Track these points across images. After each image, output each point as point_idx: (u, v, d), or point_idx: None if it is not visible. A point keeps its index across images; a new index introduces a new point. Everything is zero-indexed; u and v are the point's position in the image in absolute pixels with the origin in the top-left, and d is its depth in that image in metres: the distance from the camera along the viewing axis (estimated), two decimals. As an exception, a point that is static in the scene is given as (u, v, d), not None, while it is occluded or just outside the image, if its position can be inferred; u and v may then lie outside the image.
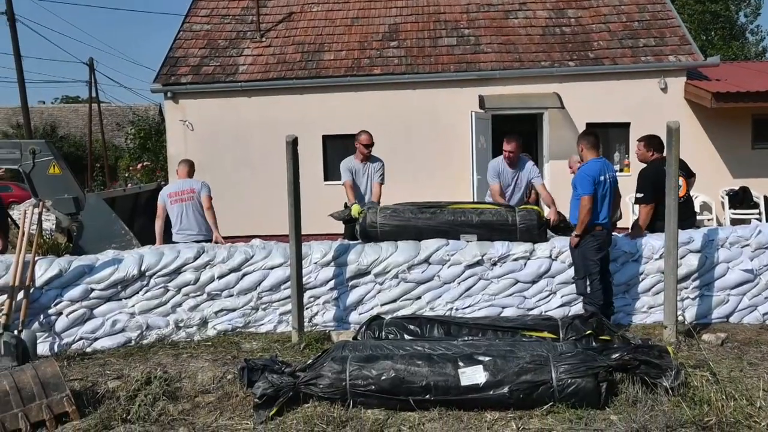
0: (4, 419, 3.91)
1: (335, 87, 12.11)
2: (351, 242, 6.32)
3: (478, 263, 5.96)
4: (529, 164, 7.07)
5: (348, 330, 5.80)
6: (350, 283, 5.98)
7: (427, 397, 4.09)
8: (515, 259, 5.98)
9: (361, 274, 5.97)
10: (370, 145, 7.39)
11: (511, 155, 6.89)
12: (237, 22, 13.70)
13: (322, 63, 12.39)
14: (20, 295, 5.40)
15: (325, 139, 12.06)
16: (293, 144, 5.64)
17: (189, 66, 12.46)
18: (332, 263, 5.98)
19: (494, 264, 5.97)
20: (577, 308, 5.88)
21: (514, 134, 7.03)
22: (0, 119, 48.12)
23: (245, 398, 4.37)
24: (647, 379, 4.19)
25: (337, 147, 11.66)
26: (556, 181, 11.27)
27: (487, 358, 4.19)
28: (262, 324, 5.97)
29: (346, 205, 7.21)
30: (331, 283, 5.97)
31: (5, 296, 5.39)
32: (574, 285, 5.85)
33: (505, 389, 4.04)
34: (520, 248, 5.99)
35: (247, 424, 4.06)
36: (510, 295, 5.99)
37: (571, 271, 5.87)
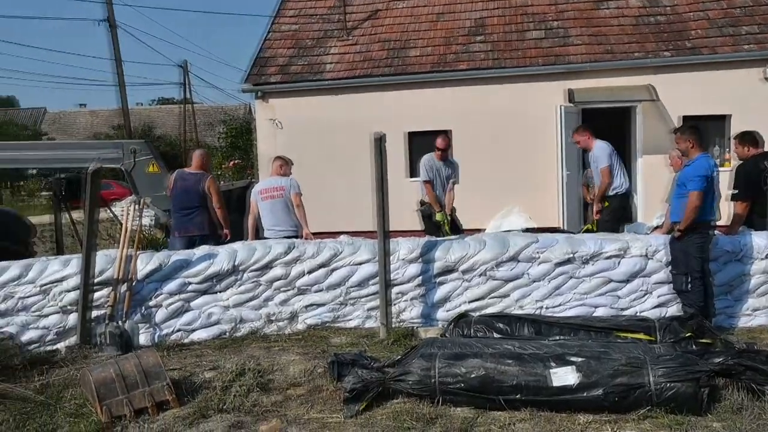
0: (110, 405, 4.12)
1: (420, 83, 12.09)
2: (438, 239, 6.31)
3: (569, 261, 5.81)
4: (599, 148, 7.54)
5: (435, 327, 5.78)
6: (437, 280, 5.96)
7: (517, 396, 4.02)
8: (608, 258, 5.80)
9: (448, 270, 5.94)
10: (443, 150, 7.83)
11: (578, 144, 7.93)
12: (323, 21, 13.90)
13: (407, 59, 12.39)
14: (123, 287, 5.69)
15: (410, 135, 12.06)
16: (380, 141, 5.66)
17: (278, 66, 12.74)
18: (419, 260, 5.97)
19: (585, 262, 5.80)
20: (675, 309, 5.65)
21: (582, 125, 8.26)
22: (101, 121, 50.87)
23: (335, 392, 4.43)
24: (753, 386, 3.97)
25: (421, 144, 11.63)
26: (649, 178, 10.86)
27: (580, 359, 4.08)
28: (350, 319, 6.04)
29: (422, 202, 7.97)
30: (418, 280, 5.96)
31: (110, 288, 5.68)
32: (670, 285, 5.62)
33: (599, 391, 3.92)
34: (613, 246, 5.80)
35: (337, 417, 4.11)
36: (602, 294, 5.81)
37: (668, 271, 5.64)
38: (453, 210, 8.02)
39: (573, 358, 4.09)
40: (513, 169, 11.64)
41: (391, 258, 5.87)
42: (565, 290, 5.83)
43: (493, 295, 5.90)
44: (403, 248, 6.01)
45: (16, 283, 5.76)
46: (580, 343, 4.40)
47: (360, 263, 5.99)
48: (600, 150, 7.47)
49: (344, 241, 6.27)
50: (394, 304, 5.91)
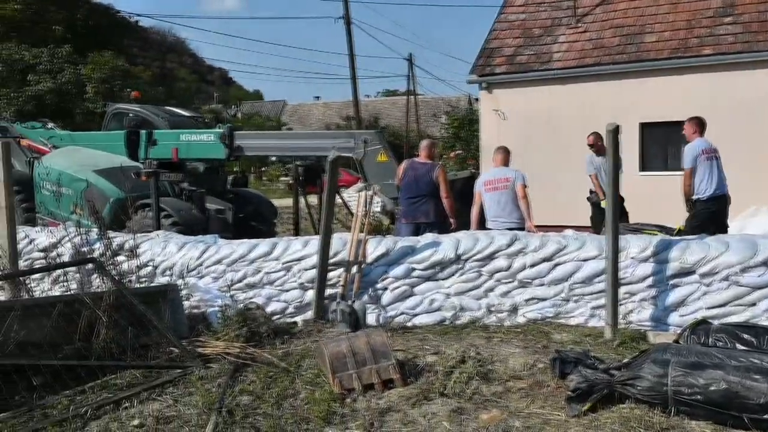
0: (342, 378, 4.42)
1: (657, 71, 11.34)
2: (672, 238, 5.88)
3: (835, 270, 5.09)
4: (688, 148, 7.41)
5: (667, 332, 5.39)
6: (671, 282, 5.55)
7: (766, 417, 3.62)
8: None
9: (685, 272, 5.50)
10: (591, 146, 8.79)
11: None
12: (552, 9, 13.58)
13: (643, 46, 11.68)
14: (354, 269, 6.06)
15: (643, 126, 11.36)
16: (615, 132, 5.39)
17: (504, 56, 12.70)
18: (651, 259, 5.61)
19: None
20: None
21: None
22: (333, 112, 54.58)
23: (557, 389, 4.33)
24: None
25: (656, 135, 10.94)
26: None
27: None
28: (573, 316, 5.85)
29: (591, 191, 9.03)
30: (649, 280, 5.60)
31: (343, 269, 6.09)
32: None
33: None
34: None
35: (559, 415, 4.01)
36: None
37: None
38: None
39: (839, 382, 3.58)
40: (764, 164, 10.45)
41: (621, 255, 5.58)
42: (828, 303, 5.12)
43: (736, 302, 5.35)
44: (634, 246, 5.68)
45: (263, 259, 6.40)
46: None
47: (586, 259, 5.77)
48: (688, 150, 7.19)
49: (570, 236, 6.09)
50: (622, 305, 5.61)
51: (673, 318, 5.52)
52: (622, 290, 5.60)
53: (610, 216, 5.37)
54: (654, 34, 11.80)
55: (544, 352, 5.04)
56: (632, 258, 5.64)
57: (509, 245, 5.96)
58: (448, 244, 6.10)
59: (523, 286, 5.95)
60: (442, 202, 7.17)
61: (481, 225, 7.17)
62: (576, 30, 12.68)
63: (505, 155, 7.34)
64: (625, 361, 4.25)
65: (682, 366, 3.91)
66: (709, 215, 7.19)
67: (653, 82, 11.33)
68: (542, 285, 5.89)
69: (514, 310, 5.97)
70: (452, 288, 6.08)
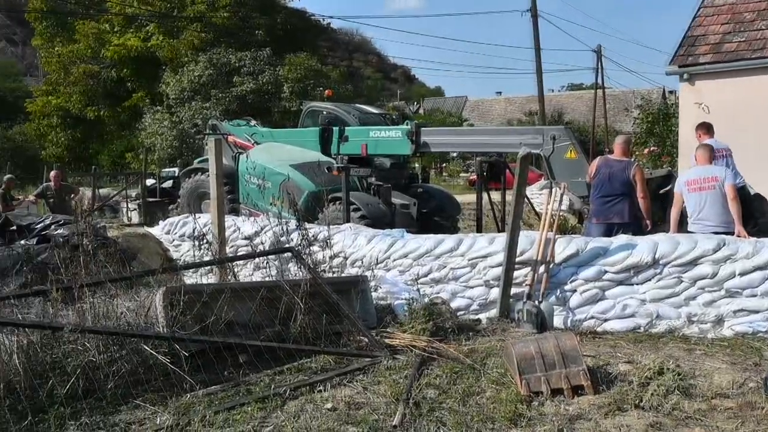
0: (529, 379, 4.32)
1: None
2: None
3: None
4: None
5: None
6: None
7: None
8: None
9: None
10: None
11: None
12: (768, -10, 12.24)
13: None
14: (542, 269, 5.90)
15: None
16: None
17: (709, 44, 11.68)
18: None
19: None
20: None
21: None
22: (515, 108, 53.84)
23: (772, 413, 3.92)
24: None
25: None
26: None
27: None
28: (791, 333, 5.26)
29: None
30: None
31: (529, 268, 5.95)
32: None
33: None
34: None
35: (775, 441, 3.63)
36: None
37: None
38: None
39: None
40: None
41: None
42: None
43: None
44: None
45: (449, 254, 6.42)
46: None
47: (809, 269, 5.16)
48: None
49: (789, 243, 5.47)
50: None
51: None
52: None
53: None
54: None
55: (756, 370, 4.61)
56: None
57: (716, 250, 5.50)
58: (644, 247, 5.74)
59: (731, 296, 5.46)
60: (636, 201, 6.76)
61: (681, 227, 6.66)
62: (797, 12, 11.35)
63: (709, 153, 6.75)
64: None
65: None
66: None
67: None
68: (754, 296, 5.37)
69: (719, 321, 5.50)
70: (648, 294, 5.72)
